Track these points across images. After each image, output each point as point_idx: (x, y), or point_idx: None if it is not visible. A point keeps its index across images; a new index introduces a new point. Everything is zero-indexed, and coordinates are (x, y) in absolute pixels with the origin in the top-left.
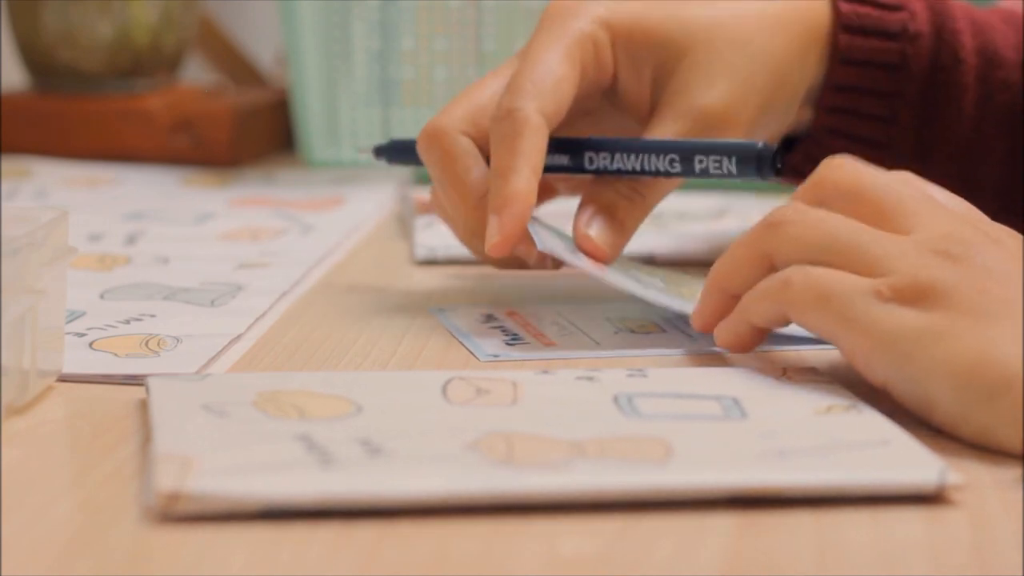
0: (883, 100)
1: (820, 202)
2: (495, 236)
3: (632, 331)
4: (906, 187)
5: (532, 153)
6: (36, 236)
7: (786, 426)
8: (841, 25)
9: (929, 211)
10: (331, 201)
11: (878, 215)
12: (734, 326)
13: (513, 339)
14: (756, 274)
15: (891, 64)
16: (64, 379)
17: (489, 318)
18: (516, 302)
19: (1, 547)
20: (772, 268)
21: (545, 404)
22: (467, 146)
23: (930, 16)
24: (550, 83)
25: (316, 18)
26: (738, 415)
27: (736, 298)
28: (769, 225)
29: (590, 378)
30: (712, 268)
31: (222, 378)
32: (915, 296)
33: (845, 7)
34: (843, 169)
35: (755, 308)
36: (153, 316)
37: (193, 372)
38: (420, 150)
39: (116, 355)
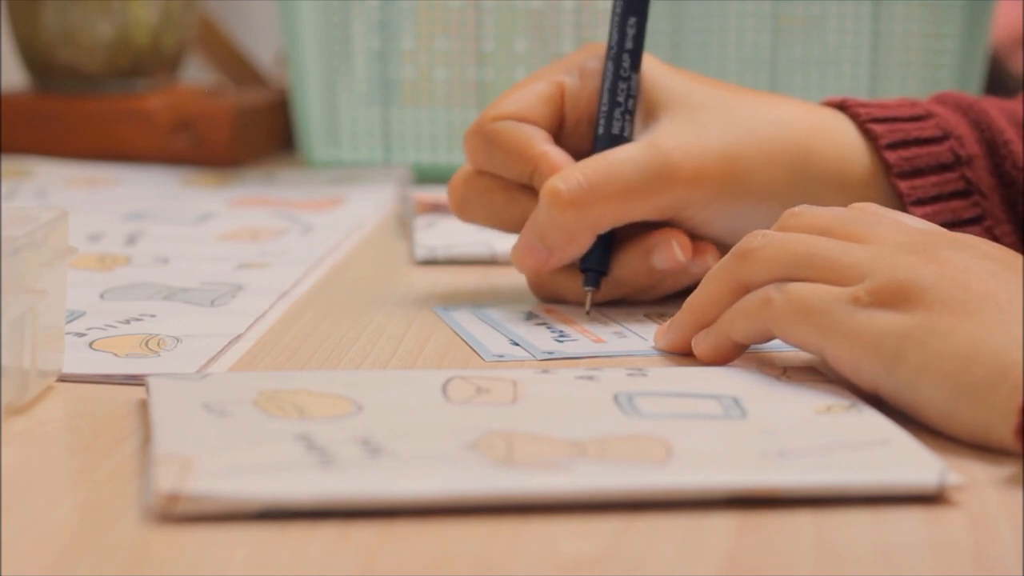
0: (970, 210)
1: None
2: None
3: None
4: (872, 214)
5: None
6: (36, 236)
7: (786, 426)
8: (895, 174)
9: (898, 229)
10: (331, 201)
11: (850, 240)
12: (714, 340)
13: (561, 336)
14: (734, 303)
15: (961, 190)
16: (64, 379)
17: (531, 316)
18: (526, 301)
19: (1, 547)
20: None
21: (545, 403)
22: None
23: (977, 135)
24: (518, 95)
25: (316, 18)
26: (738, 414)
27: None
28: (740, 255)
29: (590, 377)
30: (687, 301)
31: (222, 378)
32: (894, 297)
33: (892, 156)
34: (806, 214)
35: (736, 326)
36: (153, 316)
37: (193, 372)
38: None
39: (116, 355)
